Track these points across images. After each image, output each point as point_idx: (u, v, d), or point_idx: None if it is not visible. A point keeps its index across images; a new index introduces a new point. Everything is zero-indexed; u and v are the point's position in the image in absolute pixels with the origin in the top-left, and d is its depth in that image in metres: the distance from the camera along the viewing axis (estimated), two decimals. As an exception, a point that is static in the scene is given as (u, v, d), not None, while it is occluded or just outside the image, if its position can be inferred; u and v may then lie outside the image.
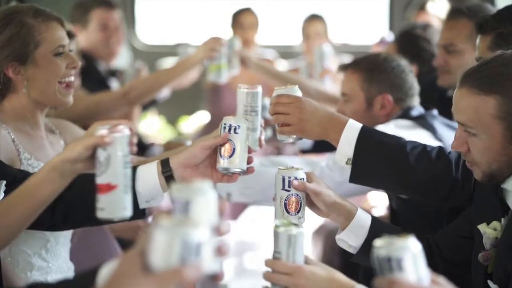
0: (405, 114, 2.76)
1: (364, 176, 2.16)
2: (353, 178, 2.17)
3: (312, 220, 4.11)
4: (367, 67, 2.77)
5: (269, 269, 1.82)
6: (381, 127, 2.58)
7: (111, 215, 1.68)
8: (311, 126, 2.14)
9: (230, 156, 1.96)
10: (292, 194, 2.01)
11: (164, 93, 4.05)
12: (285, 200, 2.01)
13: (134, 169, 2.02)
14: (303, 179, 2.01)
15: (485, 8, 3.08)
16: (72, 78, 2.32)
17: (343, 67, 2.85)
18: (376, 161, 2.14)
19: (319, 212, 2.05)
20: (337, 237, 2.08)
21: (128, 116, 3.79)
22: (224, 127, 1.97)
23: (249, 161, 1.99)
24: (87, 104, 3.20)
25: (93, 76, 4.00)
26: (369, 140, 2.13)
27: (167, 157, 2.00)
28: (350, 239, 2.07)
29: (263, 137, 2.15)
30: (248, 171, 1.99)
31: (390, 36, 4.77)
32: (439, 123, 2.74)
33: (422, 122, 2.72)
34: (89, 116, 3.15)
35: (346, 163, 2.15)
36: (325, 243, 3.37)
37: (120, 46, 4.41)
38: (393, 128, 2.66)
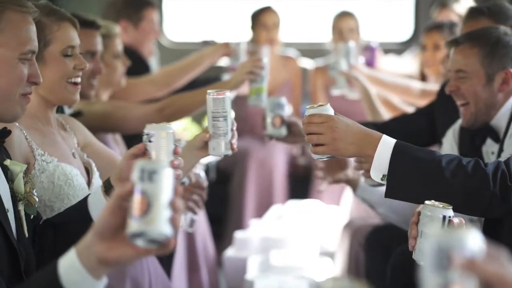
0: None
1: (399, 191, 2.14)
2: (389, 194, 2.15)
3: (340, 216, 4.12)
4: (488, 41, 2.57)
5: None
6: None
7: None
8: (345, 145, 2.12)
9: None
10: None
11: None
12: None
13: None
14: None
15: (505, 7, 3.04)
16: (79, 79, 2.35)
17: (454, 42, 2.63)
18: (411, 176, 2.12)
19: None
20: None
21: None
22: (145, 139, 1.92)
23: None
24: (122, 115, 3.11)
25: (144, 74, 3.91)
26: (403, 155, 2.12)
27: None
28: None
29: (234, 140, 2.15)
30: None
31: (375, 43, 4.80)
32: None
33: None
34: (120, 128, 3.14)
35: (381, 179, 2.13)
36: (353, 238, 3.38)
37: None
38: None
